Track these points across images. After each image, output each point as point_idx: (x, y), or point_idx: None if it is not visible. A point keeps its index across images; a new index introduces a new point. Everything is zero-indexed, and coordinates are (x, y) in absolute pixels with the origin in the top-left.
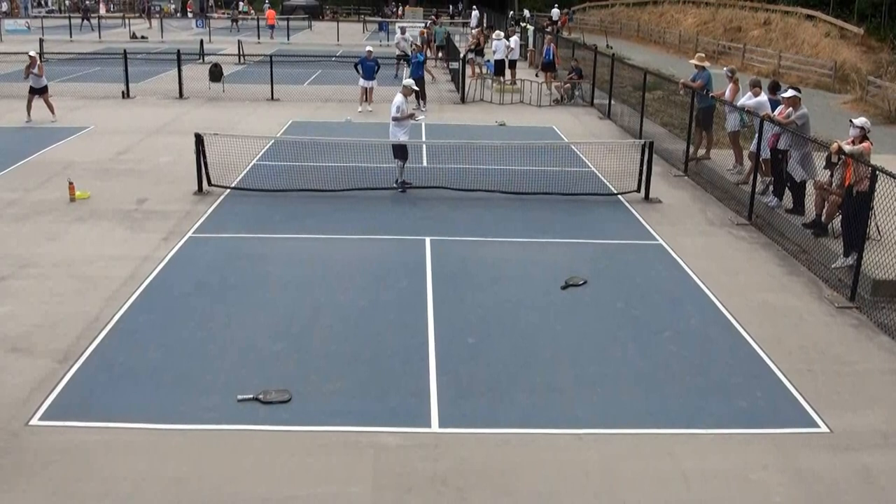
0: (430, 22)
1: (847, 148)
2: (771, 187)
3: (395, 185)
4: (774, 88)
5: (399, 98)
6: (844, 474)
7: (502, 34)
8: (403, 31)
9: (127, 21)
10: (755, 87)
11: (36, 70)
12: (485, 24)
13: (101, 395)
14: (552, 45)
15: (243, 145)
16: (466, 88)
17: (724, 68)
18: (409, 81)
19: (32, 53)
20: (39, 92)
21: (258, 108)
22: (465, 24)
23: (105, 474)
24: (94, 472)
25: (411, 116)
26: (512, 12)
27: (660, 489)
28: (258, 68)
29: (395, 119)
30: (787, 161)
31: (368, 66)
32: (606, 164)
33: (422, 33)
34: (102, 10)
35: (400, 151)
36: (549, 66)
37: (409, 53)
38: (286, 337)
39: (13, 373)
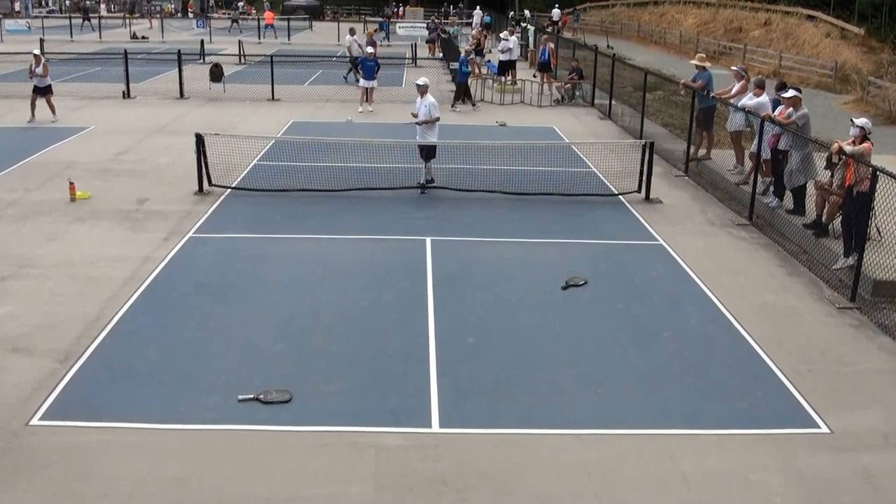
0: (429, 22)
1: (848, 148)
2: (771, 188)
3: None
4: (780, 88)
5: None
6: (844, 475)
7: (510, 35)
8: (353, 32)
9: (127, 21)
10: (759, 87)
11: (40, 70)
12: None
13: (102, 395)
14: (548, 45)
15: (244, 145)
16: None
17: (735, 66)
18: (424, 80)
19: (36, 52)
20: (42, 92)
21: (259, 109)
22: (467, 25)
23: (105, 474)
24: (94, 472)
25: (415, 117)
26: (512, 13)
27: (660, 490)
28: (259, 68)
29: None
30: (788, 161)
31: (369, 67)
32: (607, 165)
33: (474, 38)
34: (103, 11)
35: (423, 151)
36: (544, 67)
37: (361, 56)
38: (287, 337)
39: (13, 373)
